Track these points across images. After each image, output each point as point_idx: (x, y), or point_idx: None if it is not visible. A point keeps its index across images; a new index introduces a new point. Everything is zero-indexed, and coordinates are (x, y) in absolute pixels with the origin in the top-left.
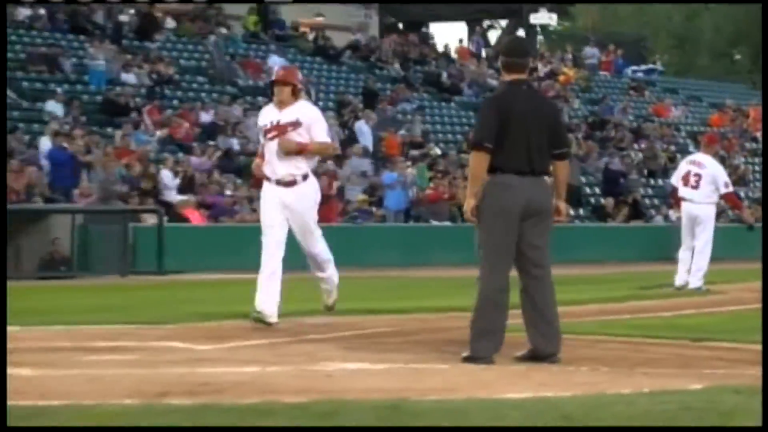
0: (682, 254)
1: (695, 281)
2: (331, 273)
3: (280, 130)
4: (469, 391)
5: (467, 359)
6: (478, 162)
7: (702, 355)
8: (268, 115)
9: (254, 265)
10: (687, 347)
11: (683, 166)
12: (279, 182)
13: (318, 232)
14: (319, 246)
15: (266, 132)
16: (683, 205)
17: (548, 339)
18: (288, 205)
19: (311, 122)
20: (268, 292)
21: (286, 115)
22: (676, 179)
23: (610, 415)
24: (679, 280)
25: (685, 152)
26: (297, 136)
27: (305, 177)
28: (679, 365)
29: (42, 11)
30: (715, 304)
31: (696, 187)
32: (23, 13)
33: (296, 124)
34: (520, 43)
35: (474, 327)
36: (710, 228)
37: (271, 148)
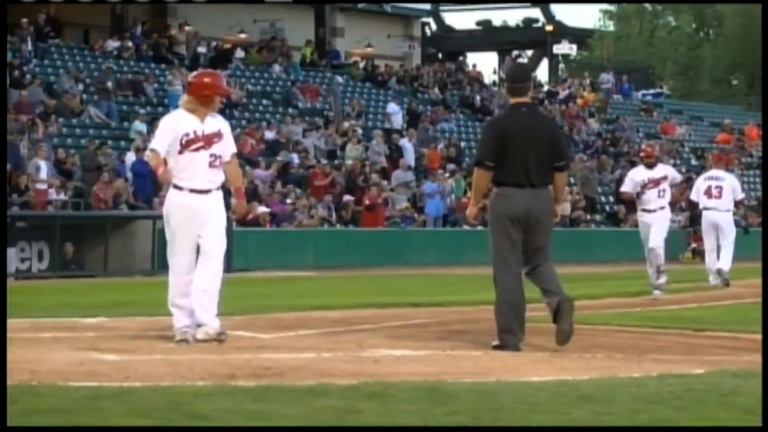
0: (709, 257)
1: (726, 264)
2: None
3: (206, 141)
4: (499, 374)
5: (497, 347)
6: (479, 178)
7: (704, 344)
8: (188, 123)
9: (310, 265)
10: (691, 336)
11: (702, 182)
12: (194, 191)
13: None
14: (221, 255)
15: (189, 142)
16: (706, 213)
17: (554, 295)
18: (203, 212)
19: (227, 134)
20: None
21: (209, 126)
22: (696, 195)
23: (623, 396)
24: (713, 280)
25: (688, 166)
26: (219, 149)
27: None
28: (683, 352)
29: (129, 43)
30: (716, 299)
31: (719, 197)
32: (112, 45)
33: (219, 136)
34: (521, 69)
35: (498, 320)
36: (734, 229)
37: (197, 158)
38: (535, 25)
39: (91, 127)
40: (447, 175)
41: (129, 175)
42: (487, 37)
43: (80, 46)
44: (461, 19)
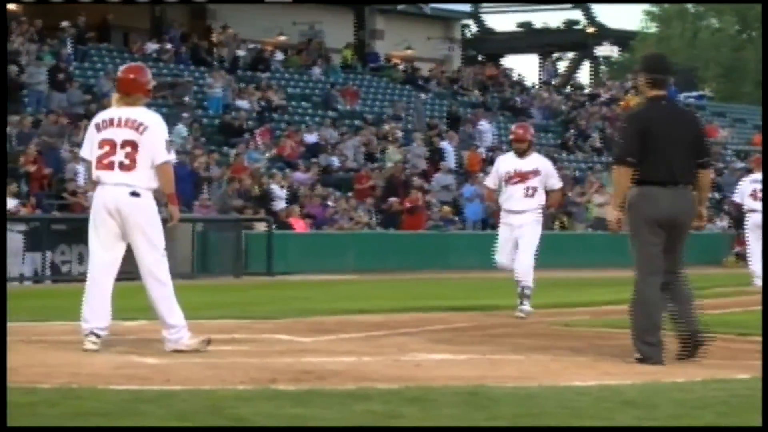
0: (754, 261)
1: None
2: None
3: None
4: (541, 379)
5: (639, 360)
6: (620, 176)
7: (748, 349)
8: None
9: (351, 268)
10: (734, 341)
11: (746, 185)
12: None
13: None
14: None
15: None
16: (752, 216)
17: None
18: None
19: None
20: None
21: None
22: (741, 197)
23: (666, 401)
24: (758, 283)
25: (731, 168)
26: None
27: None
28: (727, 357)
29: (168, 46)
30: (759, 303)
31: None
32: (151, 47)
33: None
34: (662, 60)
35: (634, 329)
36: None
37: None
38: (576, 27)
39: None
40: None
41: None
42: (528, 39)
43: (120, 49)
44: (502, 21)
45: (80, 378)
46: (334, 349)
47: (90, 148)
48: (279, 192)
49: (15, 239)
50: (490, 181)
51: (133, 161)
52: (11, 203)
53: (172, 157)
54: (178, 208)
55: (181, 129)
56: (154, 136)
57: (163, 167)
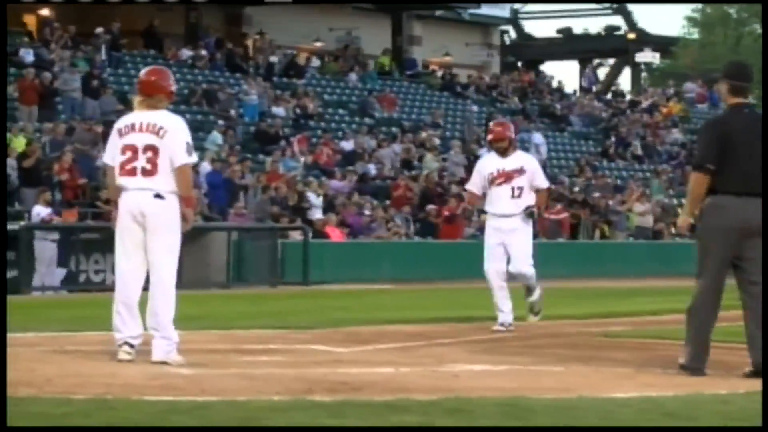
0: None
1: None
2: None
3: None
4: (581, 390)
5: (683, 368)
6: (697, 183)
7: None
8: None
9: (388, 277)
10: None
11: None
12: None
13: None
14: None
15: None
16: None
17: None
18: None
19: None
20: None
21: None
22: None
23: (708, 413)
24: None
25: None
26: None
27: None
28: None
29: (203, 52)
30: None
31: None
32: (186, 53)
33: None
34: (745, 67)
35: (687, 337)
36: None
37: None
38: (616, 33)
39: None
40: None
41: (204, 186)
42: (567, 45)
43: (154, 55)
44: (541, 27)
45: (114, 388)
46: (371, 360)
47: (113, 154)
48: (315, 200)
49: (48, 248)
50: (473, 185)
51: (155, 166)
52: (44, 211)
53: (192, 159)
54: (193, 212)
55: (216, 136)
56: (174, 139)
57: (182, 169)
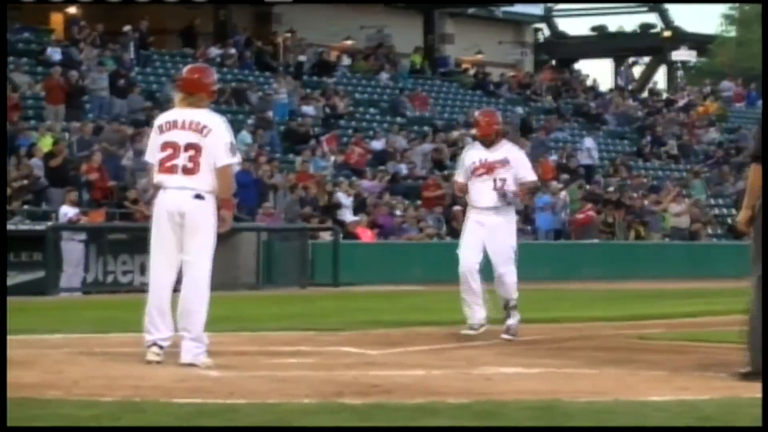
0: None
1: None
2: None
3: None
4: (616, 393)
5: (745, 375)
6: (756, 175)
7: None
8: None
9: (419, 279)
10: None
11: None
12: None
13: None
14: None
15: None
16: None
17: None
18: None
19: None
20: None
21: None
22: None
23: (745, 417)
24: None
25: None
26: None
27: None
28: None
29: (232, 50)
30: None
31: None
32: (215, 51)
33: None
34: None
35: (747, 341)
36: None
37: None
38: (652, 31)
39: None
40: (560, 185)
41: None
42: (602, 43)
43: (183, 53)
44: (575, 25)
45: (142, 391)
46: (402, 362)
47: (153, 151)
48: (345, 200)
49: (75, 249)
50: (459, 176)
51: (197, 164)
52: (71, 212)
53: (234, 160)
54: (231, 215)
55: (245, 136)
56: (217, 139)
57: (224, 170)
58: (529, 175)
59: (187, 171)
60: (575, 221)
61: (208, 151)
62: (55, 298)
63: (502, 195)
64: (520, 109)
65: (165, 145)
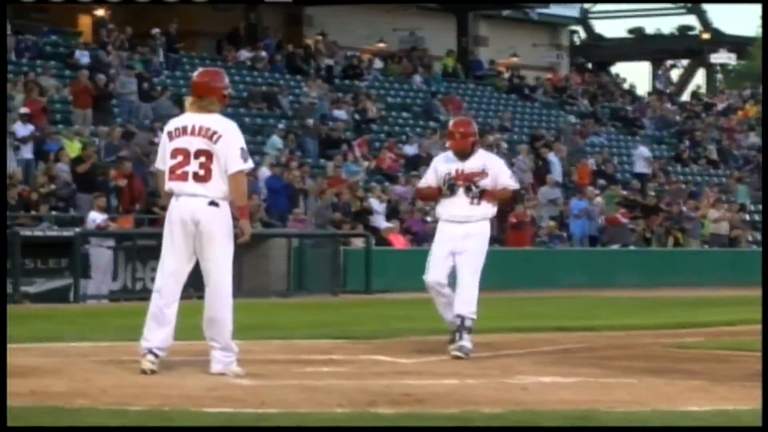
0: None
1: None
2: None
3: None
4: (654, 403)
5: None
6: None
7: None
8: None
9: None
10: None
11: None
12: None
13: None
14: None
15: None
16: None
17: None
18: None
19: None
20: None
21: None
22: None
23: None
24: None
25: None
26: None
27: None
28: None
29: (263, 53)
30: None
31: None
32: (245, 54)
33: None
34: None
35: None
36: None
37: None
38: (690, 33)
39: None
40: (597, 191)
41: (263, 191)
42: (639, 45)
43: (212, 56)
44: (612, 27)
45: (172, 400)
46: (436, 371)
47: (163, 157)
48: (378, 206)
49: (104, 255)
50: (431, 181)
51: (209, 171)
52: (99, 218)
53: (247, 166)
54: (249, 223)
55: (275, 140)
56: (228, 145)
57: (236, 177)
58: (512, 184)
59: (198, 178)
60: (606, 219)
61: (219, 157)
62: (83, 305)
63: (475, 193)
64: (572, 118)
65: (175, 152)
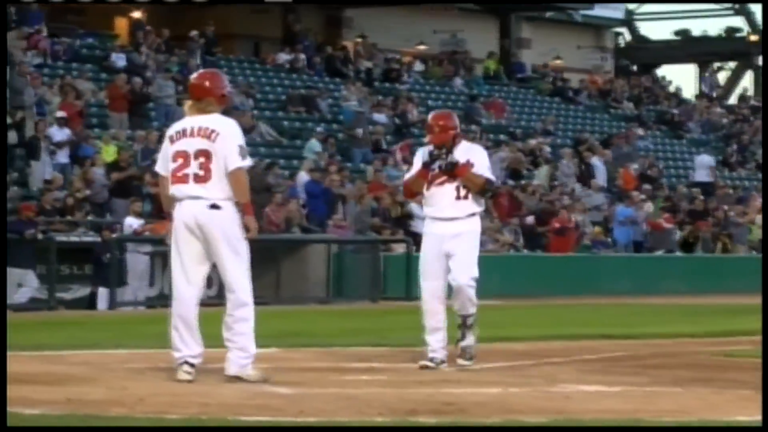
0: None
1: None
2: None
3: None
4: (701, 413)
5: None
6: None
7: None
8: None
9: (495, 293)
10: None
11: None
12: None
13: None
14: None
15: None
16: None
17: None
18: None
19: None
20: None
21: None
22: None
23: None
24: None
25: None
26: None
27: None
28: None
29: (302, 56)
30: None
31: None
32: (283, 57)
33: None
34: None
35: None
36: None
37: None
38: (738, 35)
39: (261, 145)
40: (643, 196)
41: (302, 196)
42: (685, 47)
43: (250, 59)
44: (657, 29)
45: (210, 408)
46: (478, 380)
47: (165, 162)
48: (419, 211)
49: (140, 261)
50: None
51: (208, 171)
52: (136, 223)
53: (245, 163)
54: (254, 219)
55: (314, 144)
56: (226, 142)
57: (236, 174)
58: (487, 174)
59: (198, 179)
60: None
61: (218, 156)
62: (119, 311)
63: (447, 165)
64: (640, 131)
65: (176, 155)
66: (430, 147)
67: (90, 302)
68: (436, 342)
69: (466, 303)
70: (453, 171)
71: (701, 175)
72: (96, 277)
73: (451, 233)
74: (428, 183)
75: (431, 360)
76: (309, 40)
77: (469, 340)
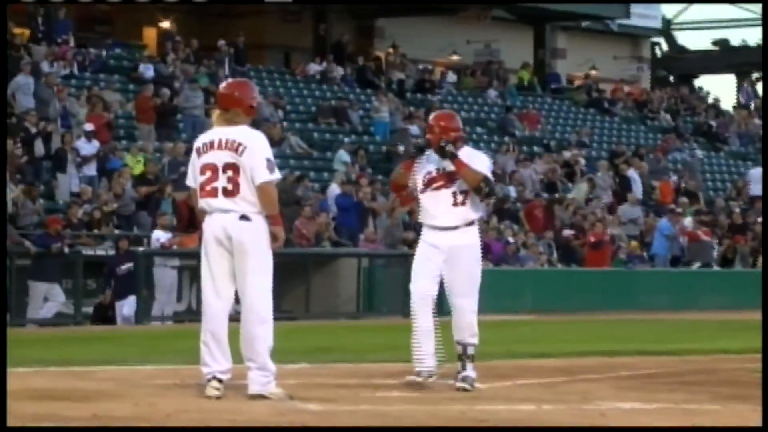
0: None
1: None
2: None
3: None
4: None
5: None
6: None
7: None
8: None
9: (529, 308)
10: None
11: None
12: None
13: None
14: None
15: None
16: None
17: None
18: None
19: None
20: None
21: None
22: None
23: None
24: None
25: None
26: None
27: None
28: None
29: (335, 67)
30: None
31: None
32: (314, 68)
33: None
34: None
35: None
36: None
37: None
38: None
39: (291, 158)
40: (680, 210)
41: (332, 209)
42: (723, 58)
43: (280, 70)
44: (695, 39)
45: (239, 425)
46: (511, 396)
47: (194, 174)
48: None
49: (168, 275)
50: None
51: (237, 185)
52: (163, 236)
53: (273, 177)
54: (282, 229)
55: (343, 155)
56: (253, 156)
57: (263, 188)
58: (486, 173)
59: (227, 193)
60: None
61: (245, 169)
62: (147, 326)
63: (441, 149)
64: (699, 153)
65: (204, 168)
66: (430, 153)
67: (98, 315)
68: (423, 356)
69: (465, 330)
70: (446, 156)
71: (755, 189)
72: (111, 290)
73: (448, 245)
74: (424, 186)
75: (418, 374)
76: (340, 51)
77: (470, 371)
